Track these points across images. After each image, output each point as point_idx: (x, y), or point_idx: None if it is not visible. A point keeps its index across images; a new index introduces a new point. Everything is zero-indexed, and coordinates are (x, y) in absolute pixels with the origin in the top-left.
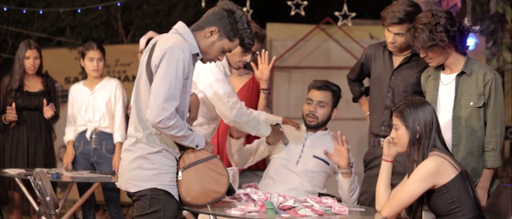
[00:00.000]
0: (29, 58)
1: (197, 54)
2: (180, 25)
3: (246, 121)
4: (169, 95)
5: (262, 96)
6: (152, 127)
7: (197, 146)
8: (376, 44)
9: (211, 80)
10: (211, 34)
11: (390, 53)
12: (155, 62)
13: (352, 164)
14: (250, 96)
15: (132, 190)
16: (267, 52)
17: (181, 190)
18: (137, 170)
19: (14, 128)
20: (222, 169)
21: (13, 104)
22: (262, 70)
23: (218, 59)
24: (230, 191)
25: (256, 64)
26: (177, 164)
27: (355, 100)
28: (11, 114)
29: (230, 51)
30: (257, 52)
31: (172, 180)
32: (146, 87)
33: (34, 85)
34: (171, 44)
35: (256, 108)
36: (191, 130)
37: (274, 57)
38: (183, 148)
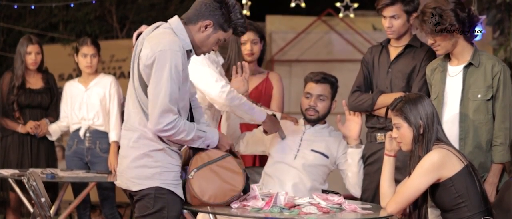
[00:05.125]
0: (31, 54)
1: (190, 50)
2: (173, 20)
3: (238, 104)
4: (166, 102)
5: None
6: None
7: (208, 146)
8: (371, 48)
9: (196, 67)
10: (206, 28)
11: (387, 48)
12: (144, 61)
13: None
14: (262, 99)
15: (134, 189)
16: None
17: (196, 190)
18: (141, 168)
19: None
20: (236, 167)
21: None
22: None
23: (212, 50)
24: (245, 190)
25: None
26: (189, 164)
27: (373, 107)
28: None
29: (225, 41)
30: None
31: (175, 178)
32: (138, 84)
33: (35, 82)
34: (161, 46)
35: None
36: (203, 130)
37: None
38: (193, 148)
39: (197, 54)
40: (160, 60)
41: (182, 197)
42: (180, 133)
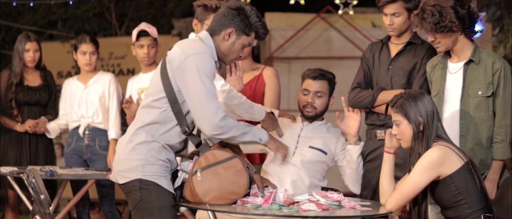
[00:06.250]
0: (29, 51)
1: (215, 62)
2: (202, 33)
3: (238, 103)
4: (215, 99)
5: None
6: (207, 134)
7: (260, 140)
8: (371, 45)
9: None
10: (229, 36)
11: (387, 45)
12: (171, 57)
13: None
14: (253, 96)
15: (120, 182)
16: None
17: (199, 191)
18: (126, 161)
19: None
20: (242, 170)
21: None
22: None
23: (239, 57)
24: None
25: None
26: (193, 165)
27: (373, 104)
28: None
29: (249, 45)
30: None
31: (158, 171)
32: (158, 82)
33: (34, 80)
34: (193, 50)
35: None
36: (248, 125)
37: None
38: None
39: (226, 63)
40: (196, 63)
41: (169, 189)
42: (231, 127)
